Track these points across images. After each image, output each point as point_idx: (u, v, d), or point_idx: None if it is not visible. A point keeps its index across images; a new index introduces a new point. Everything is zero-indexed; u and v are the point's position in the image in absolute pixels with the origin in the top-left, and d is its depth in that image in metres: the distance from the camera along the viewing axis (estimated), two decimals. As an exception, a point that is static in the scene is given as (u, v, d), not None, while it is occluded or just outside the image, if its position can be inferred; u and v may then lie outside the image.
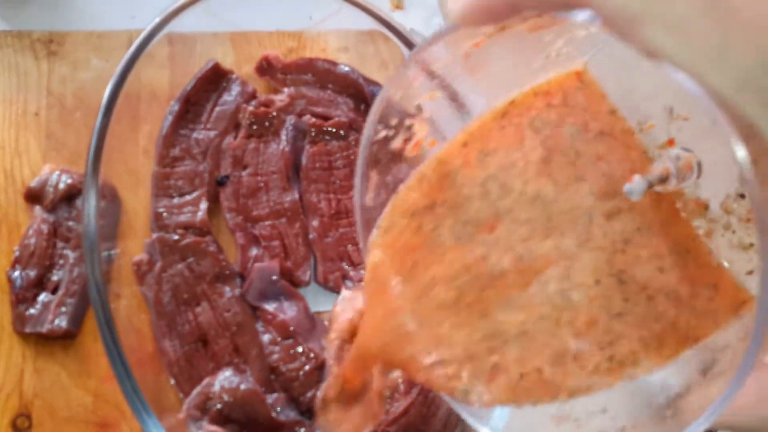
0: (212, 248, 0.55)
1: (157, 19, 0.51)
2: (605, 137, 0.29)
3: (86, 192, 0.48)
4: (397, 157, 0.33)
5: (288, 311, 0.54)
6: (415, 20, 0.70)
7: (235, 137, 0.58)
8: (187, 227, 0.55)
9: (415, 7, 0.71)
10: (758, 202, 0.21)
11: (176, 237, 0.54)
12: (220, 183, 0.57)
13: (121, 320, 0.50)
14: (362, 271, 0.50)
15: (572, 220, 0.29)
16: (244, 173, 0.57)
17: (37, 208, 0.56)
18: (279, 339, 0.53)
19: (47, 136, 0.58)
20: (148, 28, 0.51)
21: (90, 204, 0.48)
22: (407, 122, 0.32)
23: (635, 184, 0.25)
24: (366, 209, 0.33)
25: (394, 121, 0.32)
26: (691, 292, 0.28)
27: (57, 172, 0.56)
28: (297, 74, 0.59)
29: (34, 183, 0.56)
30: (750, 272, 0.27)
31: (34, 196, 0.56)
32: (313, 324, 0.55)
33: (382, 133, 0.32)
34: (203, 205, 0.55)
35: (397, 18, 0.61)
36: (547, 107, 0.30)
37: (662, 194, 0.28)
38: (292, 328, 0.53)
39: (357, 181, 0.33)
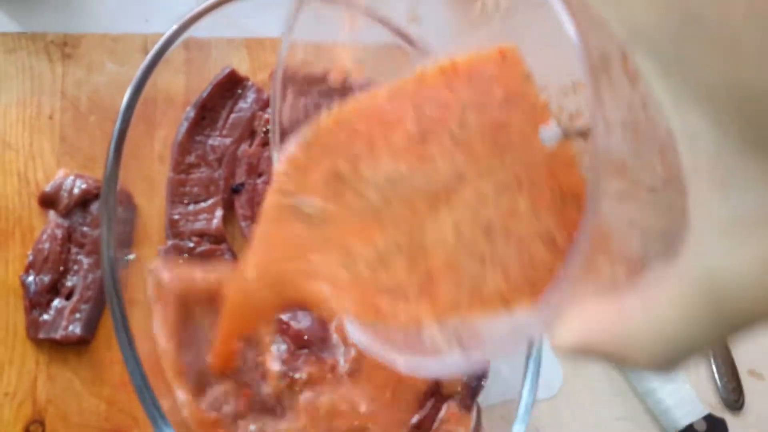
0: (227, 256, 0.54)
1: (176, 26, 0.51)
2: (511, 102, 0.31)
3: (104, 199, 0.48)
4: (315, 81, 0.35)
5: (302, 321, 0.54)
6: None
7: (251, 145, 0.58)
8: (202, 234, 0.55)
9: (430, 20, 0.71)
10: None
11: (191, 244, 0.54)
12: (235, 191, 0.56)
13: (136, 327, 0.50)
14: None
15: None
16: (259, 181, 0.57)
17: (52, 213, 0.55)
18: (293, 349, 0.53)
19: (61, 140, 0.58)
20: (167, 34, 0.51)
21: (108, 211, 0.48)
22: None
23: (551, 130, 0.27)
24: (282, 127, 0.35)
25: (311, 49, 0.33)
26: (567, 236, 0.29)
27: (71, 177, 0.56)
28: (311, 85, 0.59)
29: (48, 187, 0.56)
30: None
31: (48, 201, 0.55)
32: (326, 334, 0.55)
33: (300, 56, 0.33)
34: (218, 213, 0.55)
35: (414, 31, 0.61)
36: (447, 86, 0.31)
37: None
38: (306, 338, 0.53)
39: (272, 99, 0.34)
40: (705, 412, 0.59)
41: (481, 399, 0.54)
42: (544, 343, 0.58)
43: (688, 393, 0.59)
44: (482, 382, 0.53)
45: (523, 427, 0.47)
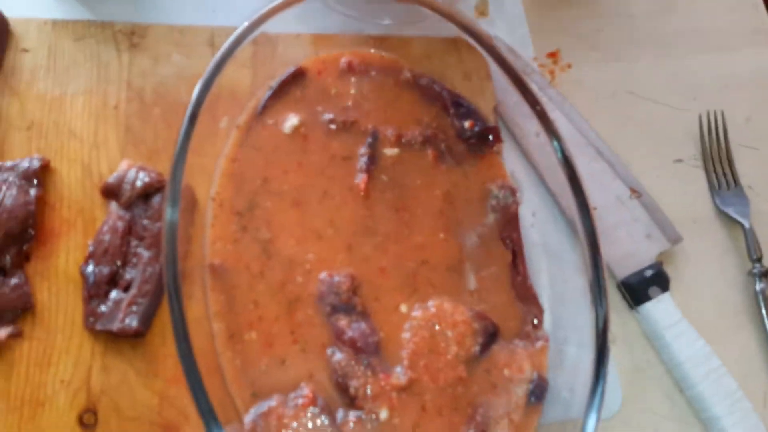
0: (285, 256, 0.54)
1: (247, 23, 0.50)
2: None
3: (169, 194, 0.47)
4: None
5: (355, 329, 0.53)
6: (500, 28, 0.68)
7: (313, 143, 0.57)
8: (261, 233, 0.54)
9: (500, 15, 0.69)
10: None
11: (250, 243, 0.53)
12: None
13: (191, 323, 0.49)
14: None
15: None
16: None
17: (113, 204, 0.55)
18: (348, 356, 0.52)
19: (126, 131, 0.58)
20: (237, 32, 0.50)
21: (171, 208, 0.47)
22: None
23: None
24: None
25: None
26: None
27: (134, 169, 0.56)
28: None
29: (111, 179, 0.56)
30: None
31: (110, 192, 0.55)
32: (378, 338, 0.54)
33: None
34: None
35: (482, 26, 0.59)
36: None
37: None
38: (359, 345, 0.52)
39: None
40: (773, 445, 0.56)
41: (541, 420, 0.52)
42: (611, 364, 0.56)
43: (755, 424, 0.56)
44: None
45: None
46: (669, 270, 0.62)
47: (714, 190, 0.66)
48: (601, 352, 0.47)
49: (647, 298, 0.60)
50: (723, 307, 0.62)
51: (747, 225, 0.64)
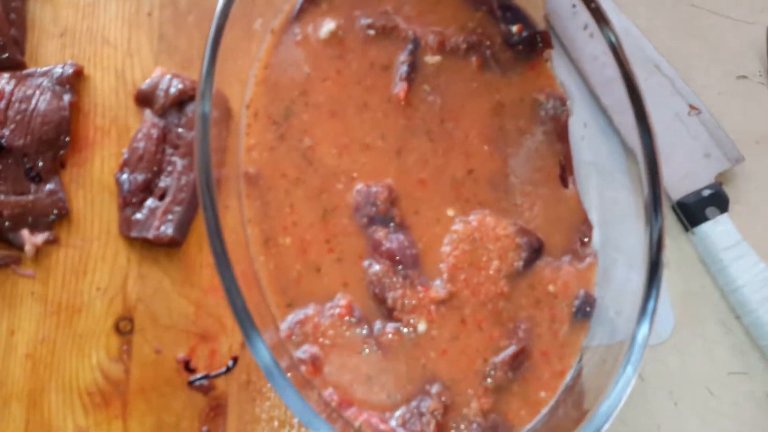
0: (322, 167, 0.52)
1: None
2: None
3: (200, 101, 0.46)
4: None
5: (393, 240, 0.51)
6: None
7: (352, 51, 0.54)
8: (297, 143, 0.52)
9: None
10: None
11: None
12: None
13: (229, 234, 0.48)
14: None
15: None
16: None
17: (147, 112, 0.54)
18: (385, 268, 0.50)
19: (159, 38, 0.56)
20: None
21: (203, 114, 0.45)
22: None
23: None
24: None
25: None
26: None
27: (168, 77, 0.54)
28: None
29: (144, 85, 0.54)
30: None
31: (144, 99, 0.54)
32: (416, 251, 0.52)
33: None
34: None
35: None
36: None
37: None
38: (397, 257, 0.50)
39: None
40: (836, 374, 0.53)
41: (586, 342, 0.50)
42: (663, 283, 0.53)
43: (817, 351, 0.53)
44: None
45: (633, 374, 0.43)
46: (729, 191, 0.58)
47: (781, 107, 0.62)
48: (654, 270, 0.44)
49: (704, 219, 0.56)
50: (787, 231, 0.59)
51: (816, 144, 0.59)
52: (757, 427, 0.54)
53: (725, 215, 0.56)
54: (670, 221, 0.58)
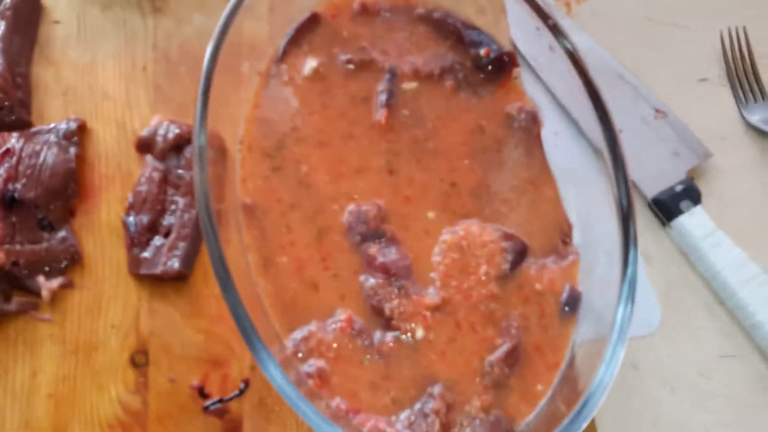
0: (314, 193, 0.55)
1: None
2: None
3: (196, 140, 0.49)
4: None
5: (387, 254, 0.54)
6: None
7: (334, 85, 0.58)
8: (289, 173, 0.56)
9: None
10: None
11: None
12: (320, 130, 0.57)
13: (231, 263, 0.51)
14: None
15: None
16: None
17: (148, 157, 0.58)
18: (380, 281, 0.53)
19: (155, 89, 0.61)
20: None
21: (200, 152, 0.49)
22: None
23: None
24: None
25: None
26: None
27: (165, 123, 0.58)
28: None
29: (144, 132, 0.58)
30: None
31: (144, 146, 0.58)
32: (409, 263, 0.55)
33: None
34: (304, 152, 0.56)
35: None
36: None
37: None
38: (391, 270, 0.53)
39: None
40: (820, 347, 0.55)
41: (575, 335, 0.52)
42: (640, 269, 0.56)
43: (799, 327, 0.55)
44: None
45: (620, 352, 0.45)
46: (700, 185, 0.61)
47: (741, 105, 0.65)
48: (627, 252, 0.47)
49: (679, 212, 0.59)
50: (760, 218, 0.62)
51: (777, 135, 0.63)
52: (753, 405, 0.56)
53: (699, 207, 0.60)
54: (647, 218, 0.62)
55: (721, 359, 0.57)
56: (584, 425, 0.44)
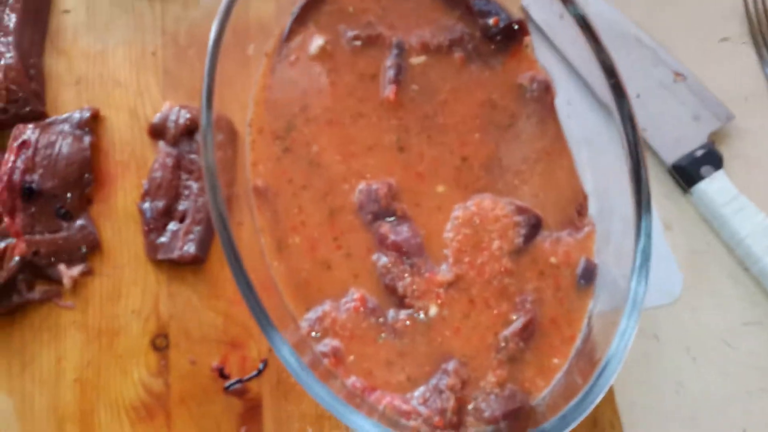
0: (325, 173, 0.55)
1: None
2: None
3: (203, 126, 0.49)
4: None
5: (400, 233, 0.54)
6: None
7: (342, 62, 0.58)
8: (299, 154, 0.55)
9: None
10: None
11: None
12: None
13: (244, 246, 0.51)
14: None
15: None
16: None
17: (161, 143, 0.58)
18: (393, 259, 0.53)
19: (165, 74, 0.61)
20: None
21: (207, 138, 0.49)
22: None
23: None
24: None
25: None
26: None
27: (177, 108, 0.59)
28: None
29: (155, 119, 0.59)
30: None
31: (157, 132, 0.58)
32: (420, 241, 0.54)
33: None
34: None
35: None
36: None
37: None
38: (404, 248, 0.53)
39: None
40: None
41: (591, 306, 0.52)
42: (660, 237, 0.55)
43: (827, 292, 0.54)
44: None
45: (634, 322, 0.45)
46: (723, 149, 0.60)
47: (765, 63, 0.63)
48: (641, 215, 0.46)
49: (700, 178, 0.58)
50: (785, 181, 0.60)
51: (804, 94, 0.61)
52: (778, 374, 0.55)
53: (720, 172, 0.58)
54: (668, 185, 0.60)
55: (746, 327, 0.56)
56: (599, 398, 0.43)
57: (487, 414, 0.48)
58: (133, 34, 0.62)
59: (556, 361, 0.50)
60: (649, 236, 0.46)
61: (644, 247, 0.45)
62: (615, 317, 0.48)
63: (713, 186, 0.57)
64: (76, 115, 0.59)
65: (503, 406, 0.48)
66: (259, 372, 0.54)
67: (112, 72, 0.61)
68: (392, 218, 0.53)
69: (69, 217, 0.57)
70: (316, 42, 0.57)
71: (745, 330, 0.56)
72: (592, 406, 0.43)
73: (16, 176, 0.56)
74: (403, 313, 0.50)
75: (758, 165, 0.60)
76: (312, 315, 0.51)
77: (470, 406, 0.48)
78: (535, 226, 0.52)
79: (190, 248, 0.55)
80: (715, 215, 0.57)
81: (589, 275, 0.51)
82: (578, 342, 0.50)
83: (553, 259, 0.52)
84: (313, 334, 0.50)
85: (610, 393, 0.53)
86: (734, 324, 0.56)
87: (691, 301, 0.57)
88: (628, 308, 0.44)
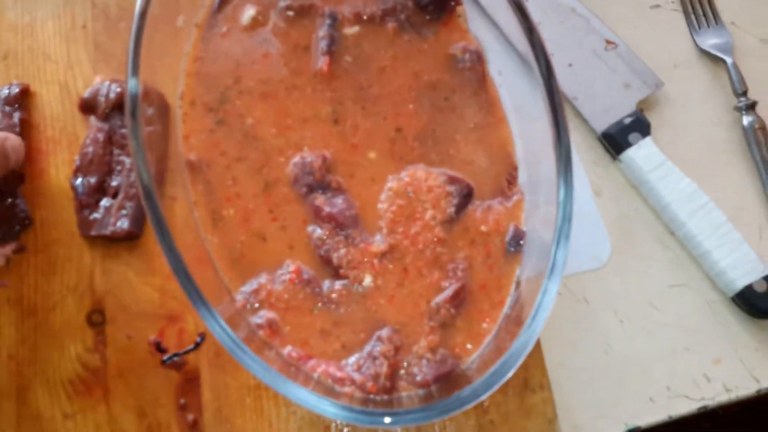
0: (259, 146, 0.55)
1: None
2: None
3: (128, 99, 0.49)
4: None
5: (335, 205, 0.54)
6: None
7: (275, 34, 0.57)
8: (233, 127, 0.55)
9: None
10: None
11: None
12: (263, 81, 0.56)
13: (178, 221, 0.51)
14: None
15: None
16: (285, 70, 0.57)
17: (92, 118, 0.58)
18: (328, 231, 0.53)
19: (96, 48, 0.60)
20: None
21: (134, 111, 0.48)
22: None
23: None
24: None
25: None
26: None
27: (107, 83, 0.58)
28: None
29: (86, 94, 0.58)
30: None
31: (87, 107, 0.58)
32: (355, 212, 0.55)
33: None
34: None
35: None
36: None
37: None
38: (339, 220, 0.54)
39: None
40: (766, 272, 0.55)
41: (519, 272, 0.53)
42: (590, 203, 0.56)
43: (746, 253, 0.56)
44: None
45: (555, 286, 0.46)
46: (653, 116, 0.61)
47: (694, 30, 0.64)
48: (565, 171, 0.48)
49: (628, 145, 0.59)
50: (712, 145, 0.62)
51: (730, 60, 0.62)
52: (702, 333, 0.57)
53: (648, 139, 0.59)
54: (598, 153, 0.61)
55: (672, 289, 0.58)
56: (523, 355, 0.45)
57: (419, 378, 0.49)
58: (63, 6, 0.61)
59: (485, 325, 0.51)
60: (568, 201, 0.47)
61: (564, 212, 0.47)
62: (541, 281, 0.50)
63: (640, 153, 0.59)
64: (5, 91, 0.57)
65: (434, 370, 0.49)
66: (197, 345, 0.55)
67: (41, 45, 0.60)
68: (327, 190, 0.53)
69: (0, 194, 0.56)
70: (248, 12, 0.57)
71: (671, 292, 0.58)
72: (518, 363, 0.45)
73: (-57, 154, 0.54)
74: (338, 284, 0.51)
75: (685, 131, 0.62)
76: (247, 288, 0.51)
77: (402, 371, 0.50)
78: (466, 196, 0.53)
79: (123, 224, 0.55)
80: (643, 181, 0.59)
81: (517, 242, 0.52)
82: (506, 307, 0.51)
83: (483, 227, 0.53)
84: (249, 306, 0.50)
85: (540, 355, 0.55)
86: (661, 286, 0.58)
87: (620, 264, 0.59)
88: (549, 268, 0.46)
